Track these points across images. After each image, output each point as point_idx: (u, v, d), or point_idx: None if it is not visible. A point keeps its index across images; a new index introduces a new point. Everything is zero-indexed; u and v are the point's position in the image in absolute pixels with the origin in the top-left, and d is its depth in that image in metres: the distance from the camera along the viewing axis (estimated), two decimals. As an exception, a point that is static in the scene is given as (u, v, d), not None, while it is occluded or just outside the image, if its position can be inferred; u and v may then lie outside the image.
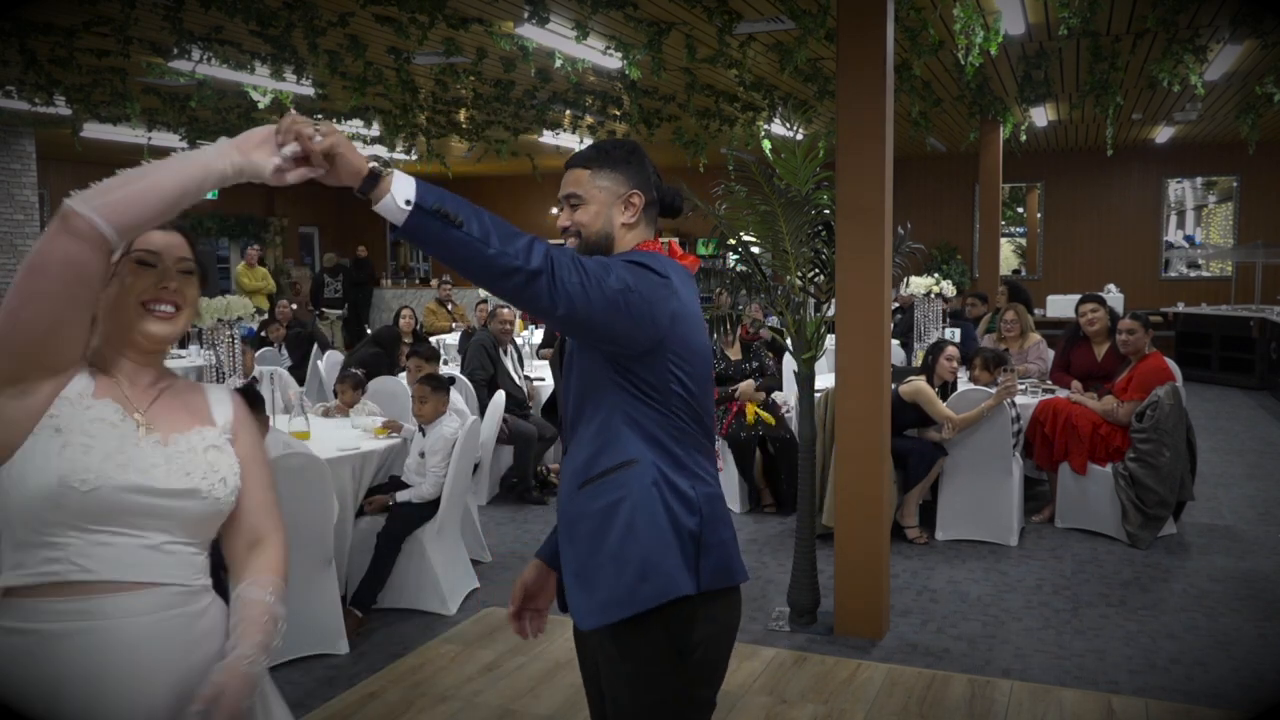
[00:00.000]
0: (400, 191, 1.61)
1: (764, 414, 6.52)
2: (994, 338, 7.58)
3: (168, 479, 1.63)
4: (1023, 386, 6.60)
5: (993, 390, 5.80)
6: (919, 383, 5.75)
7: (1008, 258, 16.13)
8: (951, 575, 5.28)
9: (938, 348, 6.00)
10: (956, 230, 16.15)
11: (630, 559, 1.90)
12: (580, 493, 1.97)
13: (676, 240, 2.20)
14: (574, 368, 2.00)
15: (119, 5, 5.68)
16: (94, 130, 9.88)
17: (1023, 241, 16.42)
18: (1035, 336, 7.40)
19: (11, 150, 11.35)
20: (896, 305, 9.62)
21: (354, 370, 6.33)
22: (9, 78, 7.77)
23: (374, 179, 1.60)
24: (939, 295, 7.56)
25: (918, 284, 7.51)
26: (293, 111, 1.69)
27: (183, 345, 9.66)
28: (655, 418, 1.94)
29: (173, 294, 1.69)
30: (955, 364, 5.95)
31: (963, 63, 6.25)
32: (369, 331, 10.22)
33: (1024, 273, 16.05)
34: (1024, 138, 11.72)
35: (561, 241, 2.05)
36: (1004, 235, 14.69)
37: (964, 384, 6.56)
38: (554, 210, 2.10)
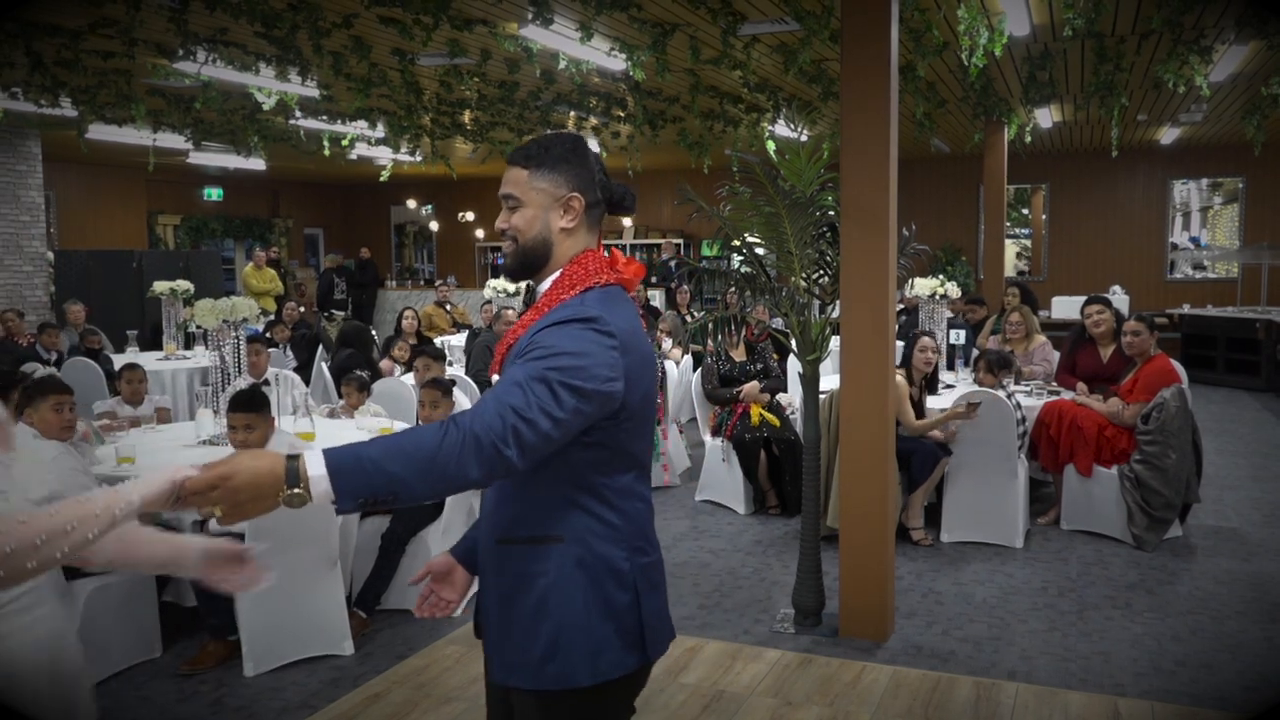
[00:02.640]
0: (320, 495, 1.62)
1: (769, 415, 6.52)
2: (999, 339, 7.57)
3: None
4: (1028, 388, 6.60)
5: (998, 393, 5.79)
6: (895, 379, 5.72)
7: (1013, 259, 16.11)
8: (957, 577, 5.27)
9: (913, 340, 5.98)
10: (961, 232, 16.14)
11: (540, 635, 1.85)
12: (497, 546, 1.92)
13: (618, 247, 2.11)
14: None
15: (125, 7, 5.68)
16: (99, 131, 9.89)
17: (1028, 243, 16.39)
18: (1040, 338, 7.39)
19: (18, 152, 11.37)
20: (901, 307, 9.62)
21: (359, 373, 6.34)
22: (15, 80, 7.79)
23: (294, 492, 1.62)
24: (943, 297, 7.55)
25: (922, 286, 7.50)
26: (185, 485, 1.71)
27: (188, 346, 9.67)
28: (587, 458, 1.85)
29: None
30: (931, 354, 5.91)
31: (967, 64, 6.24)
32: (373, 333, 10.21)
33: (1029, 274, 16.03)
34: (1029, 139, 11.70)
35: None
36: (1009, 237, 14.65)
37: (967, 385, 6.55)
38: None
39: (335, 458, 1.63)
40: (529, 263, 1.97)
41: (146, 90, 8.64)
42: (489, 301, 11.01)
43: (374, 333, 10.15)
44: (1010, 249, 15.65)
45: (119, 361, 7.98)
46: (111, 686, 4.04)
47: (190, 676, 4.12)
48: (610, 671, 1.87)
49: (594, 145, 12.06)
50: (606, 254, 2.00)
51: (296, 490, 1.62)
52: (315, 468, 1.62)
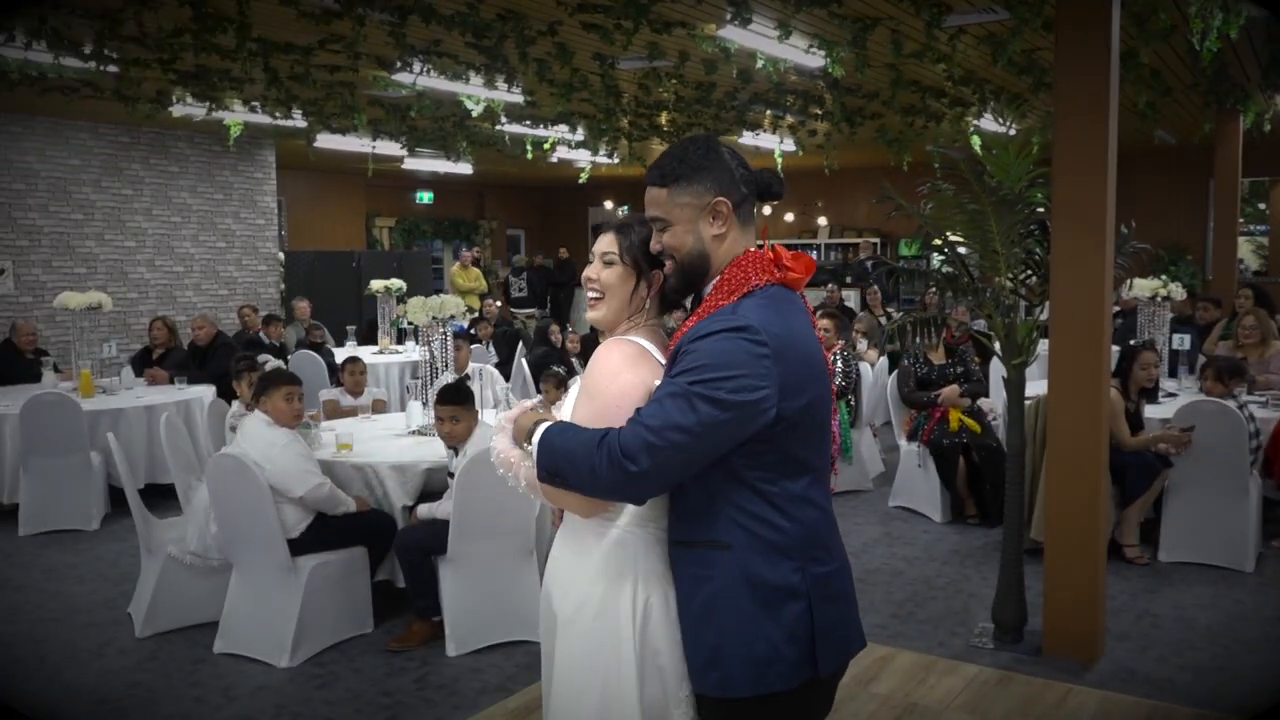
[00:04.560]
0: (534, 460, 1.88)
1: (968, 421, 6.28)
2: (1230, 345, 6.99)
3: None
4: (1263, 398, 6.07)
5: (1227, 403, 5.35)
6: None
7: (1247, 258, 14.86)
8: (1176, 599, 4.91)
9: (1133, 353, 5.55)
10: (1186, 229, 14.99)
11: (704, 640, 1.87)
12: (673, 547, 1.95)
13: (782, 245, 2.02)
14: None
15: (350, 23, 6.09)
16: (325, 140, 10.63)
17: (1264, 241, 15.06)
18: (1278, 345, 6.77)
19: (255, 160, 12.39)
20: (1117, 309, 9.04)
21: (556, 369, 6.54)
22: (255, 94, 8.49)
23: (524, 447, 1.92)
24: (1165, 299, 7.04)
25: (1142, 286, 7.02)
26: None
27: (399, 341, 10.26)
28: (753, 465, 1.83)
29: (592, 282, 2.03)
30: (1153, 370, 5.48)
31: (1198, 48, 5.78)
32: (571, 331, 10.52)
33: (1267, 274, 14.71)
34: (1268, 127, 10.74)
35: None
36: (1242, 234, 13.51)
37: (1192, 394, 6.09)
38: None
39: (545, 435, 1.86)
40: (692, 278, 1.96)
41: (367, 101, 9.22)
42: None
43: (570, 330, 10.43)
44: (1244, 247, 14.42)
45: (340, 355, 8.57)
46: (329, 656, 4.34)
47: (398, 654, 4.37)
48: (775, 684, 1.83)
49: (789, 144, 11.98)
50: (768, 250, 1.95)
51: (526, 446, 1.90)
52: (536, 435, 1.87)
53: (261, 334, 9.63)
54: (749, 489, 1.84)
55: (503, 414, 2.06)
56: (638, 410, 1.80)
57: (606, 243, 2.03)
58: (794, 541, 1.86)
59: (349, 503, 4.50)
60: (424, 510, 4.52)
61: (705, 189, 1.90)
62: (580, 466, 1.78)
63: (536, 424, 1.89)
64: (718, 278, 1.93)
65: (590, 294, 2.04)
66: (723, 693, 1.85)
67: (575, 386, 2.08)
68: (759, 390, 1.76)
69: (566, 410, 2.02)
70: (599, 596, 1.93)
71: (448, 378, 5.50)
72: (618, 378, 1.92)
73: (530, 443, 1.88)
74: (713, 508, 1.85)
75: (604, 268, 2.02)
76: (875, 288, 11.84)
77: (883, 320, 10.35)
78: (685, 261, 1.93)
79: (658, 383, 1.87)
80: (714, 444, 1.77)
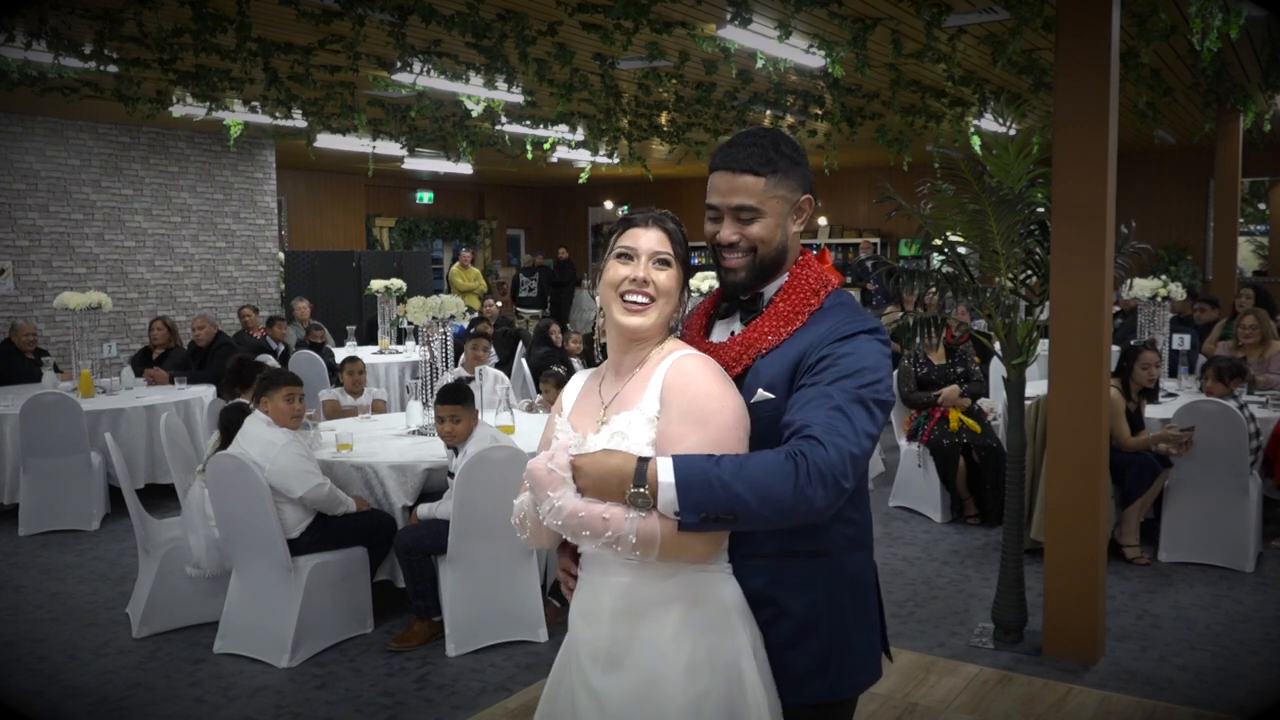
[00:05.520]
0: (666, 506, 1.63)
1: (969, 420, 6.28)
2: (1230, 345, 6.99)
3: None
4: (1263, 398, 6.06)
5: (1228, 403, 5.35)
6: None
7: (1247, 258, 14.85)
8: (1176, 599, 4.91)
9: (1134, 352, 5.54)
10: (1186, 229, 14.99)
11: (806, 651, 1.84)
12: (762, 560, 1.81)
13: (827, 249, 2.03)
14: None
15: (350, 23, 6.09)
16: (325, 140, 10.64)
17: (1264, 240, 15.05)
18: (1278, 345, 6.77)
19: (255, 160, 12.39)
20: (1117, 309, 9.04)
21: (556, 369, 6.54)
22: (255, 94, 8.49)
23: (638, 491, 1.64)
24: (1165, 299, 7.03)
25: (1142, 286, 7.02)
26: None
27: (400, 341, 10.26)
28: None
29: (642, 286, 1.79)
30: (1154, 370, 5.48)
31: (1198, 48, 5.78)
32: (572, 331, 10.52)
33: (1267, 274, 14.71)
34: (1268, 127, 10.74)
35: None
36: (1242, 234, 13.50)
37: (1192, 394, 6.09)
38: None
39: (685, 472, 1.62)
40: (767, 273, 1.87)
41: (367, 101, 9.22)
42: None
43: (570, 329, 10.43)
44: (1244, 247, 14.42)
45: (340, 355, 8.57)
46: (329, 656, 4.34)
47: (398, 654, 4.37)
48: (870, 680, 1.91)
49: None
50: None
51: (642, 490, 1.63)
52: (665, 474, 1.62)
53: (268, 338, 9.62)
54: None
55: (539, 461, 1.73)
56: (811, 422, 1.65)
57: (657, 240, 1.82)
58: (867, 533, 1.92)
59: (349, 503, 4.50)
60: (424, 510, 4.51)
61: (797, 184, 1.85)
62: (782, 495, 1.59)
63: (642, 461, 1.65)
64: (786, 276, 1.89)
65: (637, 299, 1.79)
66: (834, 697, 1.84)
67: (562, 424, 1.86)
68: (891, 388, 1.79)
69: (588, 438, 1.78)
70: (723, 651, 1.73)
71: (448, 377, 5.50)
72: (727, 398, 1.74)
73: (642, 487, 1.63)
74: None
75: (657, 269, 1.81)
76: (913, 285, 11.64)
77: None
78: (767, 256, 1.85)
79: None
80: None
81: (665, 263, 1.81)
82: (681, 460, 1.63)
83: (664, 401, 1.74)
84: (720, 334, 1.95)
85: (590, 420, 1.83)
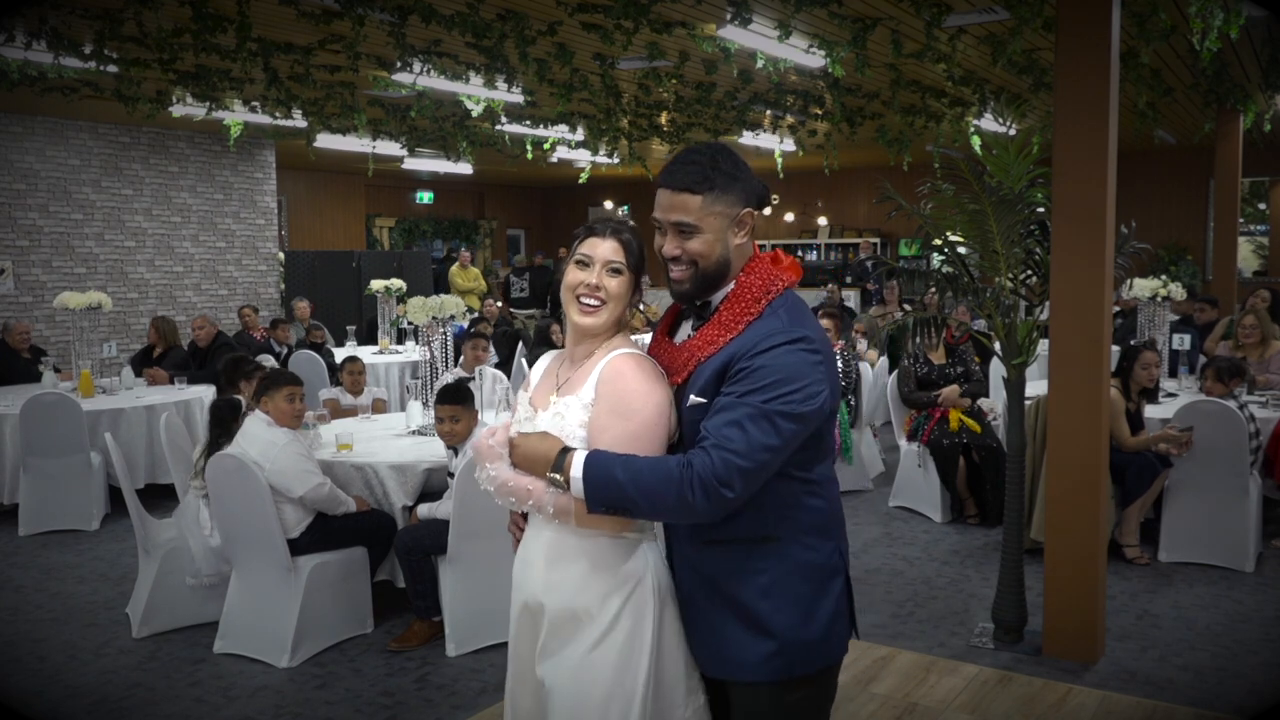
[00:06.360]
0: (576, 493, 1.86)
1: (969, 421, 6.28)
2: (1230, 345, 6.99)
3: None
4: (1263, 398, 6.06)
5: (1228, 403, 5.34)
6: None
7: (1247, 258, 14.85)
8: (1176, 599, 4.91)
9: (1134, 352, 5.54)
10: (1186, 229, 14.99)
11: (764, 629, 1.93)
12: (705, 547, 1.96)
13: (780, 249, 2.10)
14: (689, 419, 1.94)
15: (350, 23, 6.09)
16: (325, 140, 10.63)
17: (1264, 240, 15.05)
18: (1278, 345, 6.77)
19: (255, 160, 12.39)
20: (1117, 309, 9.04)
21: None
22: (254, 94, 8.49)
23: (553, 476, 1.88)
24: (1165, 299, 7.03)
25: (1142, 286, 7.02)
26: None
27: (400, 341, 10.26)
28: (798, 458, 1.89)
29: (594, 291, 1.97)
30: (1154, 370, 5.47)
31: (1198, 48, 5.77)
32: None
33: (1267, 274, 14.71)
34: (1268, 127, 10.74)
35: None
36: (1242, 234, 13.50)
37: (1192, 394, 6.09)
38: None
39: (592, 470, 1.84)
40: (710, 285, 1.97)
41: (367, 101, 9.22)
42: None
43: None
44: (1244, 247, 14.42)
45: (340, 355, 8.57)
46: (329, 656, 4.34)
47: (398, 654, 4.37)
48: (834, 655, 1.98)
49: (789, 144, 11.97)
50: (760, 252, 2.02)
51: (556, 476, 1.87)
52: (576, 469, 1.84)
53: (271, 340, 9.62)
54: (788, 478, 1.90)
55: (482, 436, 2.00)
56: (709, 433, 1.81)
57: (611, 250, 2.00)
58: (830, 520, 1.98)
59: (349, 503, 4.50)
60: (424, 510, 4.51)
61: (736, 199, 1.92)
62: (665, 498, 1.80)
63: (563, 452, 1.88)
64: (733, 284, 1.96)
65: (590, 301, 1.98)
66: (788, 675, 1.92)
67: (524, 398, 2.10)
68: (820, 394, 1.85)
69: (538, 424, 2.00)
70: (630, 609, 1.95)
71: (449, 376, 5.50)
72: (651, 396, 1.92)
73: (559, 473, 1.87)
74: (755, 502, 1.87)
75: (610, 275, 1.99)
76: (893, 283, 11.45)
77: (897, 315, 10.31)
78: (708, 270, 1.94)
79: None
80: (789, 451, 1.84)
81: (618, 270, 2.00)
82: (593, 458, 1.84)
83: (597, 393, 1.95)
84: (684, 332, 2.08)
85: (544, 398, 2.06)
